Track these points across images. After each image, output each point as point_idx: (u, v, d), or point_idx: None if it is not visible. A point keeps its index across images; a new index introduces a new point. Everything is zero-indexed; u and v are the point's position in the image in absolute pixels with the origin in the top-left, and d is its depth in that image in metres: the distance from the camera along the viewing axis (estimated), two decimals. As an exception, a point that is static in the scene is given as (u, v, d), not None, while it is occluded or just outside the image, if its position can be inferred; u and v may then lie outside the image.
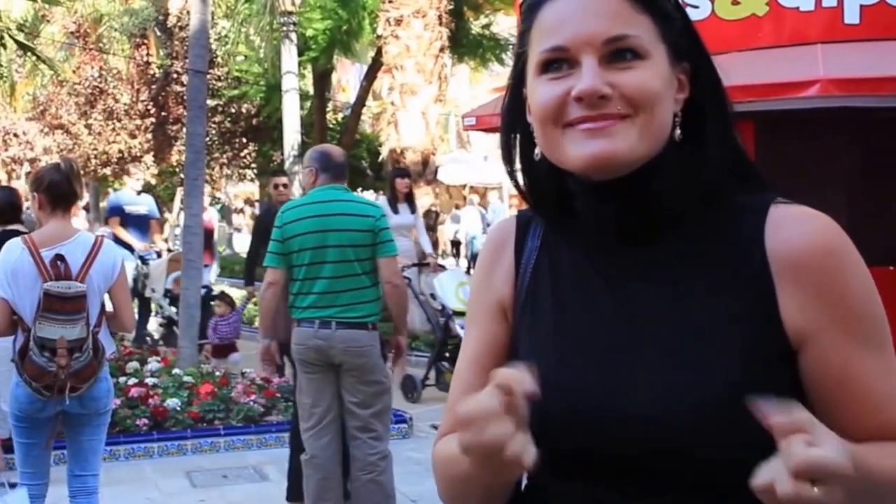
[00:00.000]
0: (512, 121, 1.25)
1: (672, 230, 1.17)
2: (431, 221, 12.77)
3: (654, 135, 1.13)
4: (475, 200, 22.25)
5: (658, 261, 1.17)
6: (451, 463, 1.16)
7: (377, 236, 4.49)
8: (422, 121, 13.17)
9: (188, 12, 13.39)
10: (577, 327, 1.19)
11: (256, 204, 27.81)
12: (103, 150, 17.96)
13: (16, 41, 13.40)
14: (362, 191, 19.18)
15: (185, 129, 10.01)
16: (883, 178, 5.73)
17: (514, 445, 0.97)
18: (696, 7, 5.75)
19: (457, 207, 22.40)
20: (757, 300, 1.12)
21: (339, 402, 4.57)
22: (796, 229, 1.12)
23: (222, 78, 18.44)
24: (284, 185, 8.26)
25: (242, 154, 19.72)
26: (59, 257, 3.85)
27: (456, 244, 19.94)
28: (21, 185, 19.57)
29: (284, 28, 14.36)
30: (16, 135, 19.87)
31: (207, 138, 12.48)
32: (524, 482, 1.24)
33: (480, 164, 24.10)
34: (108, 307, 4.13)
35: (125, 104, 18.15)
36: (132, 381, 7.07)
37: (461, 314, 7.54)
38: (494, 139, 1.31)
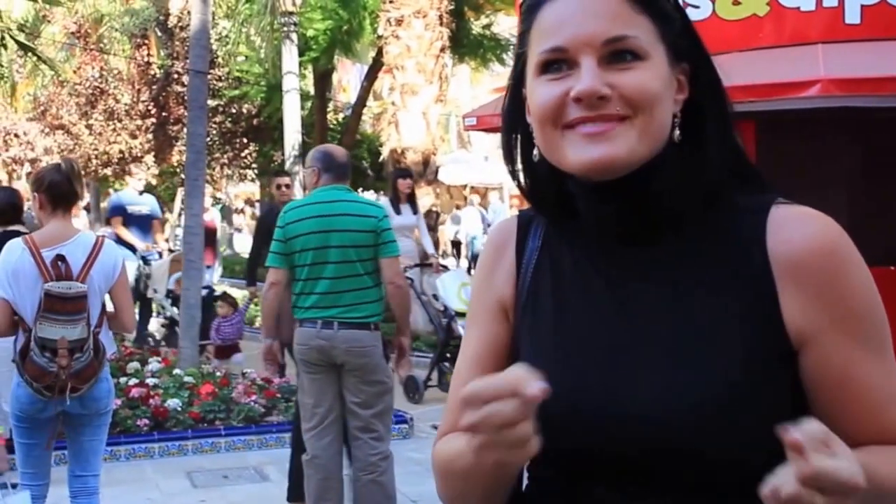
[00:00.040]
0: (512, 121, 1.25)
1: (672, 230, 1.17)
2: (432, 222, 12.76)
3: (654, 136, 1.13)
4: (475, 201, 22.25)
5: (658, 261, 1.17)
6: (453, 459, 1.16)
7: (380, 237, 4.49)
8: (422, 121, 13.17)
9: (189, 12, 13.40)
10: (577, 327, 1.19)
11: (257, 204, 27.81)
12: (104, 151, 17.96)
13: (16, 41, 13.38)
14: (363, 191, 19.18)
15: (185, 130, 10.00)
16: (884, 178, 5.73)
17: (524, 425, 0.96)
18: (696, 7, 5.74)
19: (457, 208, 22.39)
20: (757, 300, 1.11)
21: (340, 402, 4.57)
22: (797, 230, 1.12)
23: (223, 78, 18.44)
24: (287, 186, 8.26)
25: (243, 154, 19.73)
26: (60, 257, 3.86)
27: (456, 244, 19.93)
28: (22, 186, 19.58)
29: (285, 28, 14.37)
30: (16, 135, 19.87)
31: (208, 138, 12.49)
32: (524, 482, 1.24)
33: (481, 164, 24.10)
34: (109, 307, 4.13)
35: (126, 104, 18.16)
36: (133, 381, 7.07)
37: (464, 315, 7.53)
38: (495, 139, 1.31)
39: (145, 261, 9.90)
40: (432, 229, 12.27)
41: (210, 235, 12.24)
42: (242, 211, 31.81)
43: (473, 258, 18.02)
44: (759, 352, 1.10)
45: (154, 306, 10.56)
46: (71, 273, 3.86)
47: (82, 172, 4.20)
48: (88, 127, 18.02)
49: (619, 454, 1.11)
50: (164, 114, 18.29)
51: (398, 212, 8.84)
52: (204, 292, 9.34)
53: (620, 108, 1.10)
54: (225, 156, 19.43)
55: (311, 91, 19.49)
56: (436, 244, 12.93)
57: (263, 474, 6.12)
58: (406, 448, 6.22)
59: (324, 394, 4.54)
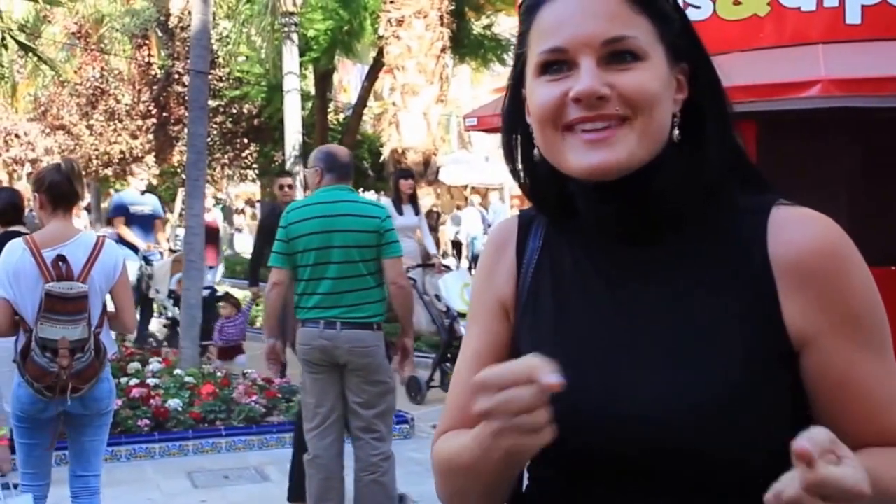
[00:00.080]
0: (513, 121, 1.25)
1: (672, 230, 1.17)
2: (433, 222, 12.78)
3: (654, 137, 1.13)
4: (476, 201, 22.24)
5: (658, 261, 1.17)
6: (456, 455, 1.16)
7: (382, 237, 4.49)
8: (423, 121, 13.18)
9: (189, 13, 13.41)
10: (577, 327, 1.19)
11: (258, 204, 27.82)
12: (105, 151, 17.98)
13: (17, 42, 13.37)
14: (364, 191, 19.18)
15: (186, 130, 10.00)
16: (884, 178, 5.72)
17: (540, 411, 0.96)
18: (697, 7, 5.74)
19: (458, 208, 22.39)
20: (757, 301, 1.11)
21: (343, 402, 4.57)
22: (798, 232, 1.12)
23: (224, 78, 18.45)
24: (289, 186, 8.27)
25: (244, 154, 19.74)
26: (61, 258, 3.86)
27: (457, 245, 19.93)
28: (23, 186, 19.58)
29: (286, 29, 14.37)
30: (17, 135, 19.89)
31: (209, 139, 12.50)
32: (524, 483, 1.24)
33: (482, 164, 24.08)
34: (110, 307, 4.13)
35: (126, 105, 18.17)
36: (133, 381, 7.07)
37: (466, 315, 7.52)
38: (496, 140, 1.31)
39: (147, 261, 9.90)
40: (433, 230, 12.28)
41: (212, 235, 12.21)
42: (243, 211, 31.82)
43: (474, 258, 18.01)
44: (759, 352, 1.10)
45: (155, 307, 10.56)
46: (72, 273, 3.86)
47: (83, 173, 4.20)
48: (89, 127, 18.04)
49: (619, 454, 1.11)
50: (164, 114, 18.31)
51: (400, 212, 8.83)
52: (206, 293, 9.34)
53: (620, 108, 1.10)
54: (226, 156, 19.45)
55: (312, 91, 19.49)
56: (436, 244, 12.94)
57: (264, 474, 6.12)
58: (407, 448, 6.22)
59: (326, 394, 4.54)
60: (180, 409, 6.72)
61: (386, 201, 9.39)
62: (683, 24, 1.18)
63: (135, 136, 18.08)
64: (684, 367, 1.10)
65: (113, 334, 4.24)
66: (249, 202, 32.15)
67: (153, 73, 18.64)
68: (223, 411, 6.83)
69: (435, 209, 13.60)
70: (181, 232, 11.57)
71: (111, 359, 4.18)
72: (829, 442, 0.90)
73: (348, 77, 26.33)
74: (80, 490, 4.10)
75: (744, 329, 1.11)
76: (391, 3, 13.06)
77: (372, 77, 18.67)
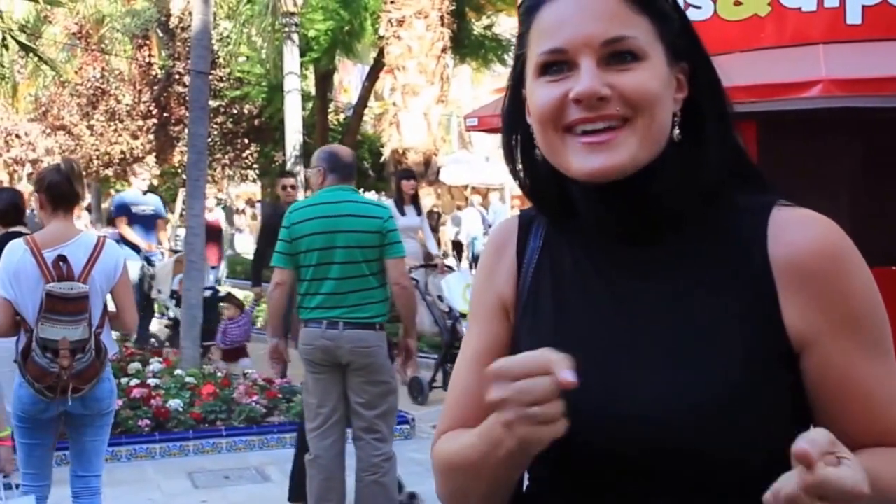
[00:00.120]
0: (513, 122, 1.25)
1: (672, 230, 1.17)
2: (433, 222, 12.77)
3: (655, 138, 1.13)
4: (476, 201, 22.24)
5: (658, 261, 1.17)
6: (459, 453, 1.16)
7: (385, 237, 4.49)
8: (424, 121, 13.18)
9: (190, 13, 13.41)
10: (577, 327, 1.19)
11: (258, 205, 27.82)
12: (105, 151, 18.00)
13: (18, 42, 13.38)
14: (364, 191, 19.18)
15: (187, 130, 10.00)
16: (885, 178, 5.72)
17: (555, 402, 0.96)
18: (698, 7, 5.74)
19: (458, 208, 22.39)
20: (757, 301, 1.11)
21: (345, 402, 4.57)
22: (799, 233, 1.12)
23: (224, 79, 18.46)
24: (292, 187, 8.27)
25: (244, 155, 19.75)
26: (62, 258, 3.86)
27: (457, 245, 19.92)
28: (24, 187, 19.59)
29: (286, 29, 14.36)
30: (18, 136, 19.91)
31: (209, 139, 12.50)
32: (525, 483, 1.24)
33: (482, 164, 24.07)
34: (111, 307, 4.13)
35: (127, 105, 18.19)
36: (134, 381, 7.07)
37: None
38: (496, 140, 1.31)
39: (149, 261, 9.90)
40: (434, 230, 12.28)
41: (215, 234, 12.21)
42: (243, 211, 31.83)
43: (475, 259, 18.00)
44: (759, 352, 1.10)
45: (156, 307, 10.55)
46: (72, 273, 3.86)
47: (83, 173, 4.20)
48: (90, 128, 18.06)
49: (619, 454, 1.11)
50: (165, 114, 18.32)
51: (402, 213, 8.82)
52: (208, 293, 9.33)
53: (620, 108, 1.10)
54: (226, 156, 19.46)
55: (313, 92, 19.50)
56: (438, 245, 12.94)
57: (265, 475, 6.12)
58: (407, 448, 6.21)
59: (328, 394, 4.54)
60: (181, 409, 6.72)
61: (388, 202, 9.38)
62: (683, 23, 1.18)
63: (135, 137, 18.09)
64: (684, 367, 1.10)
65: (114, 334, 4.24)
66: (250, 202, 32.15)
67: (154, 73, 18.66)
68: (224, 411, 6.83)
69: (435, 209, 13.60)
70: (182, 232, 11.58)
71: (112, 359, 4.18)
72: (829, 443, 0.90)
73: (349, 77, 26.34)
74: (81, 490, 4.10)
75: (744, 329, 1.11)
76: (392, 3, 13.07)
77: (372, 77, 18.67)
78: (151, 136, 18.33)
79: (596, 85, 1.09)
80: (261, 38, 17.45)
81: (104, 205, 22.55)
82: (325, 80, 19.34)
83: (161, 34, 19.07)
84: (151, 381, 7.11)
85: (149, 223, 10.11)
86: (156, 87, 18.40)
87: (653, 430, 1.08)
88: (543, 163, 1.20)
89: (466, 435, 1.14)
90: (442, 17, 13.16)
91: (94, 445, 4.09)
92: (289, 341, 5.29)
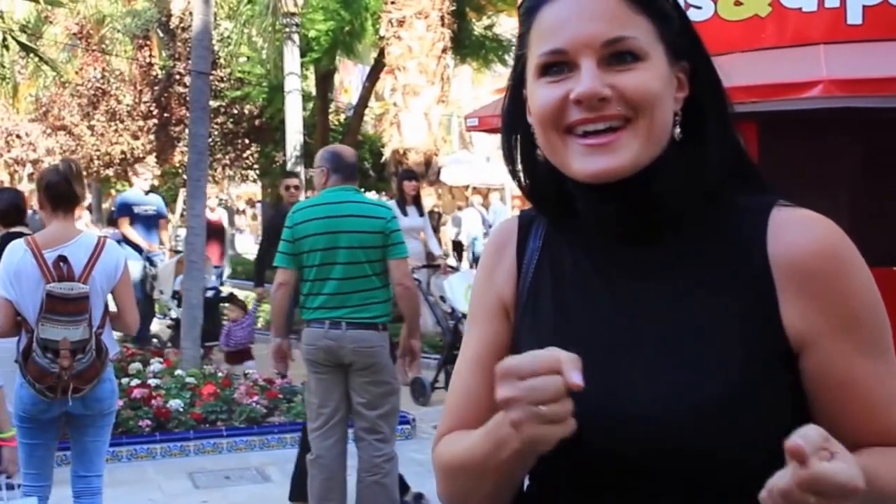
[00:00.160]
0: (513, 122, 1.25)
1: (672, 230, 1.17)
2: (434, 223, 12.77)
3: (657, 138, 1.13)
4: (476, 201, 22.23)
5: (658, 261, 1.17)
6: (462, 455, 1.16)
7: (388, 238, 4.49)
8: (424, 122, 13.18)
9: (191, 13, 13.41)
10: (577, 328, 1.19)
11: (258, 205, 27.83)
12: (106, 152, 18.01)
13: (18, 42, 13.40)
14: (365, 192, 19.16)
15: (187, 131, 10.00)
16: (885, 178, 5.72)
17: (565, 402, 0.96)
18: (698, 8, 5.74)
19: (459, 209, 22.38)
20: (757, 301, 1.12)
21: (347, 403, 4.58)
22: (799, 233, 1.12)
23: (225, 79, 18.46)
24: (296, 187, 8.28)
25: (245, 155, 19.75)
26: (62, 258, 3.86)
27: (458, 245, 19.91)
28: (25, 187, 19.61)
29: (287, 29, 14.37)
30: (18, 136, 19.93)
31: (210, 139, 12.49)
32: (525, 483, 1.24)
33: (483, 164, 24.06)
34: (112, 308, 4.13)
35: (128, 105, 18.19)
36: (135, 382, 7.07)
37: (470, 317, 7.47)
38: (497, 140, 1.31)
39: (151, 261, 9.89)
40: (435, 230, 12.28)
41: (217, 233, 12.22)
42: (243, 212, 31.83)
43: (475, 259, 17.99)
44: (759, 352, 1.10)
45: (157, 307, 10.55)
46: (73, 274, 3.86)
47: (83, 173, 4.20)
48: (90, 128, 18.07)
49: (619, 454, 1.11)
50: (165, 115, 18.32)
51: (405, 213, 8.81)
52: (210, 293, 9.32)
53: (621, 108, 1.10)
54: (227, 157, 19.46)
55: (313, 92, 19.50)
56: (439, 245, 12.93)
57: (265, 475, 6.12)
58: (408, 449, 6.21)
59: (330, 394, 4.55)
60: (181, 409, 6.72)
61: (390, 202, 9.37)
62: (683, 22, 1.18)
63: (136, 137, 18.10)
64: (684, 367, 1.10)
65: (115, 335, 4.24)
66: (250, 203, 32.16)
67: (154, 73, 18.66)
68: (224, 412, 6.83)
69: (436, 210, 13.60)
70: (182, 232, 11.58)
71: (112, 359, 4.18)
72: (822, 439, 0.90)
73: (349, 78, 26.32)
74: (83, 490, 4.10)
75: (744, 329, 1.11)
76: (392, 3, 13.07)
77: (373, 77, 18.67)
78: (152, 137, 18.34)
79: (596, 86, 1.09)
80: (261, 39, 17.45)
81: (104, 205, 22.57)
82: (325, 81, 19.34)
83: (161, 34, 19.07)
84: (152, 382, 7.11)
85: (151, 223, 10.12)
86: (156, 88, 18.40)
87: (653, 430, 1.08)
88: (544, 163, 1.20)
89: (470, 435, 1.14)
90: (442, 18, 13.16)
91: (96, 446, 4.09)
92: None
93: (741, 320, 1.11)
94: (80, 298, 3.86)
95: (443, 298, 8.49)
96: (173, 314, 9.89)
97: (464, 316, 7.91)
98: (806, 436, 0.89)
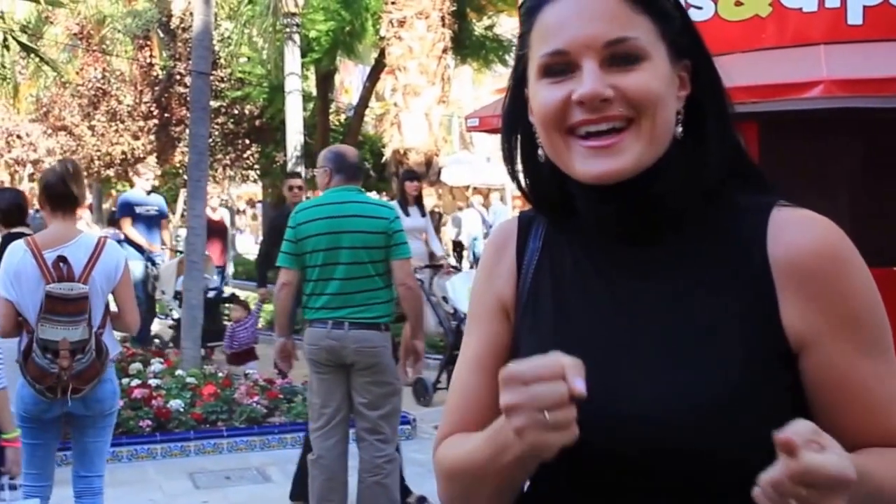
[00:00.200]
0: (513, 122, 1.25)
1: (672, 230, 1.17)
2: (434, 223, 12.76)
3: (660, 138, 1.13)
4: (477, 202, 22.23)
5: (658, 261, 1.17)
6: (464, 459, 1.16)
7: (391, 238, 4.49)
8: (425, 122, 13.17)
9: (191, 14, 13.41)
10: (577, 328, 1.19)
11: (258, 205, 27.83)
12: (106, 152, 18.00)
13: (19, 43, 13.41)
14: (365, 192, 19.14)
15: (188, 131, 10.01)
16: (886, 178, 5.72)
17: (569, 408, 0.96)
18: (699, 8, 5.74)
19: (459, 209, 22.38)
20: (757, 301, 1.12)
21: (348, 403, 4.58)
22: (798, 233, 1.12)
23: (225, 79, 18.45)
24: (299, 188, 8.28)
25: (245, 155, 19.74)
26: (62, 259, 3.86)
27: (458, 245, 19.92)
28: (25, 187, 19.62)
29: (287, 29, 14.37)
30: (19, 136, 19.93)
31: (210, 140, 12.49)
32: (525, 484, 1.24)
33: (483, 165, 24.06)
34: (114, 308, 4.13)
35: (128, 106, 18.19)
36: (135, 382, 7.07)
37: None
38: (497, 140, 1.31)
39: (152, 262, 9.89)
40: (435, 231, 12.27)
41: (219, 232, 12.21)
42: (243, 212, 31.83)
43: (476, 260, 17.98)
44: (759, 352, 1.10)
45: (158, 308, 10.55)
46: (73, 274, 3.86)
47: (82, 173, 4.19)
48: (91, 128, 18.06)
49: (619, 454, 1.11)
50: (166, 115, 18.31)
51: (406, 213, 8.80)
52: (212, 294, 9.32)
53: (623, 109, 1.10)
54: (227, 157, 19.44)
55: (314, 92, 19.50)
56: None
57: (266, 475, 6.12)
58: (409, 449, 6.20)
59: (332, 394, 4.55)
60: (182, 409, 6.72)
61: (392, 203, 9.36)
62: (684, 21, 1.18)
63: (136, 137, 18.09)
64: (684, 367, 1.10)
65: (117, 335, 4.24)
66: (251, 203, 32.16)
67: (155, 73, 18.65)
68: (225, 412, 6.83)
69: (437, 210, 13.59)
70: (183, 233, 11.58)
71: (113, 359, 4.18)
72: (812, 432, 0.90)
73: (350, 78, 26.33)
74: (84, 490, 4.11)
75: (744, 329, 1.11)
76: (393, 3, 13.06)
77: (373, 78, 18.67)
78: (152, 137, 18.33)
79: (598, 87, 1.09)
80: (262, 39, 17.43)
81: (105, 205, 22.57)
82: (326, 81, 19.34)
83: (162, 35, 19.06)
84: (152, 382, 7.11)
85: (153, 223, 10.12)
86: (157, 88, 18.39)
87: (653, 430, 1.08)
88: (545, 162, 1.20)
89: (472, 439, 1.14)
90: (443, 18, 13.15)
91: (97, 446, 4.09)
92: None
93: (741, 320, 1.11)
94: (80, 299, 3.86)
95: (445, 299, 8.48)
96: (175, 314, 9.89)
97: (466, 316, 7.89)
98: (796, 429, 0.90)
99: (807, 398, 1.13)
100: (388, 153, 13.86)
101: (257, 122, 19.12)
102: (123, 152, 17.94)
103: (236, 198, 30.36)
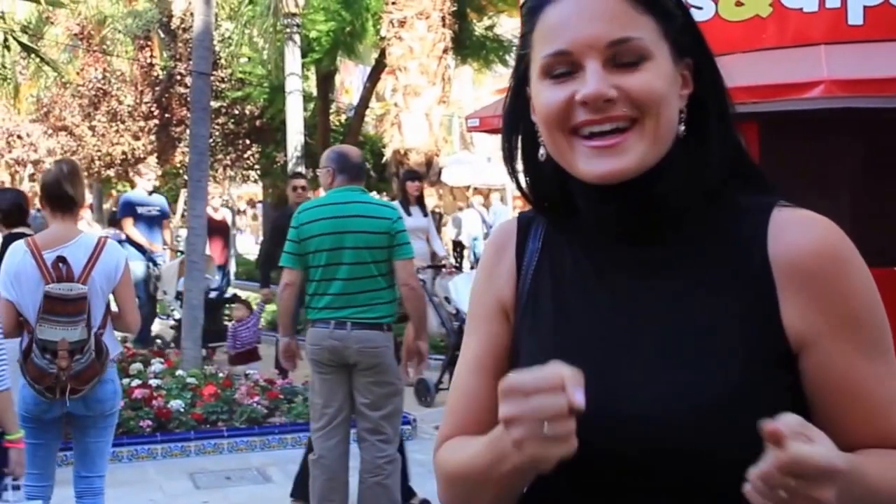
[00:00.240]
0: (514, 121, 1.25)
1: (673, 230, 1.17)
2: (435, 223, 12.76)
3: (663, 138, 1.13)
4: (477, 202, 22.23)
5: (658, 260, 1.17)
6: (464, 465, 1.15)
7: (394, 238, 4.49)
8: (425, 122, 13.16)
9: (192, 14, 13.41)
10: (577, 328, 1.19)
11: (258, 205, 27.83)
12: (107, 152, 18.01)
13: (20, 43, 13.40)
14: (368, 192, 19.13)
15: (188, 131, 10.01)
16: (886, 178, 5.72)
17: (569, 420, 0.95)
18: (699, 8, 5.74)
19: (460, 209, 22.38)
20: (757, 301, 1.11)
21: (350, 403, 4.58)
22: (799, 233, 1.12)
23: (226, 79, 18.45)
24: (303, 188, 8.29)
25: (246, 155, 19.74)
26: (61, 259, 3.86)
27: (458, 246, 19.92)
28: (26, 188, 19.62)
29: (288, 30, 14.37)
30: (19, 137, 19.94)
31: (211, 140, 12.50)
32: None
33: (484, 165, 24.07)
34: (115, 308, 4.13)
35: (129, 106, 18.19)
36: (136, 382, 7.07)
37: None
38: (498, 140, 1.31)
39: (154, 262, 9.89)
40: (436, 231, 12.26)
41: (221, 231, 12.19)
42: (244, 212, 31.84)
43: (476, 260, 17.97)
44: (759, 352, 1.10)
45: (159, 308, 10.55)
46: (72, 274, 3.86)
47: (81, 174, 4.19)
48: (91, 128, 18.07)
49: (619, 454, 1.11)
50: (166, 115, 18.32)
51: (408, 213, 8.80)
52: (214, 294, 9.30)
53: (627, 109, 1.10)
54: (228, 157, 19.45)
55: (314, 92, 19.49)
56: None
57: (266, 475, 6.12)
58: (410, 449, 6.18)
59: (333, 394, 4.55)
60: (182, 409, 6.72)
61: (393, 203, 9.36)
62: (686, 19, 1.17)
63: (137, 138, 18.10)
64: (684, 367, 1.10)
65: (118, 335, 4.24)
66: (251, 203, 32.17)
67: (155, 74, 18.65)
68: (225, 412, 6.83)
69: (437, 210, 13.58)
70: (183, 233, 11.58)
71: (114, 359, 4.18)
72: (799, 425, 0.91)
73: (350, 78, 26.33)
74: (85, 490, 4.10)
75: (744, 329, 1.11)
76: (393, 4, 13.06)
77: (374, 78, 18.66)
78: (153, 137, 18.34)
79: (602, 87, 1.09)
80: (262, 39, 17.43)
81: (105, 205, 22.57)
82: (326, 81, 19.34)
83: (163, 35, 19.07)
84: (153, 382, 7.11)
85: (155, 223, 10.12)
86: (157, 88, 18.40)
87: (653, 430, 1.08)
88: (547, 161, 1.20)
89: (472, 444, 1.14)
90: (443, 18, 13.14)
91: (98, 446, 4.09)
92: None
93: (741, 320, 1.11)
94: (79, 299, 3.85)
95: (447, 299, 8.47)
96: (176, 315, 9.88)
97: (467, 317, 7.87)
98: (784, 421, 0.90)
99: (806, 399, 1.13)
100: (388, 153, 13.85)
101: (258, 123, 19.12)
102: (124, 152, 17.95)
103: (237, 198, 30.37)
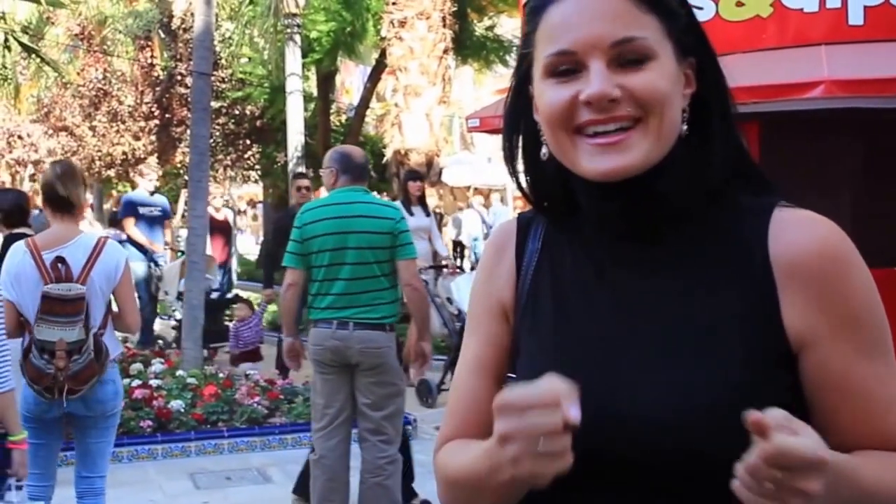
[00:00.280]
0: (515, 121, 1.25)
1: (674, 229, 1.17)
2: (436, 223, 12.76)
3: (667, 136, 1.13)
4: (477, 202, 22.23)
5: (659, 260, 1.17)
6: (463, 471, 1.15)
7: (397, 238, 4.49)
8: (426, 122, 13.17)
9: (192, 14, 13.41)
10: (577, 328, 1.19)
11: (259, 205, 27.83)
12: (107, 153, 18.00)
13: (20, 43, 13.41)
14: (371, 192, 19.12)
15: (189, 131, 10.01)
16: (887, 178, 5.71)
17: (564, 437, 0.95)
18: (700, 8, 5.73)
19: (460, 209, 22.38)
20: (758, 301, 1.11)
21: (352, 403, 4.58)
22: (799, 234, 1.12)
23: (226, 80, 18.45)
24: (307, 188, 8.30)
25: (246, 156, 19.74)
26: (60, 259, 3.86)
27: (458, 246, 19.91)
28: (26, 188, 19.63)
29: (288, 30, 14.36)
30: (20, 137, 19.93)
31: (211, 140, 12.50)
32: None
33: (484, 165, 24.05)
34: (115, 308, 4.13)
35: (129, 106, 18.19)
36: (136, 382, 7.07)
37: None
38: (498, 141, 1.31)
39: (155, 262, 9.89)
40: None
41: (223, 231, 12.18)
42: (244, 212, 31.84)
43: (477, 260, 17.97)
44: (760, 352, 1.10)
45: (159, 308, 10.54)
46: (71, 275, 3.86)
47: (81, 174, 4.19)
48: (92, 129, 18.06)
49: (619, 455, 1.11)
50: (167, 115, 18.31)
51: (410, 213, 8.80)
52: (215, 294, 9.30)
53: (631, 109, 1.10)
54: (228, 157, 19.45)
55: (315, 93, 19.49)
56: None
57: (266, 476, 6.12)
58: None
59: (335, 395, 4.55)
60: (183, 410, 6.72)
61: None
62: (689, 19, 1.17)
63: (137, 138, 18.09)
64: (684, 367, 1.10)
65: (119, 335, 4.24)
66: (251, 203, 32.17)
67: (156, 74, 18.65)
68: (225, 412, 6.83)
69: (437, 210, 13.58)
70: (184, 233, 11.57)
71: (114, 360, 4.18)
72: (785, 419, 0.91)
73: (351, 78, 26.32)
74: (86, 490, 4.11)
75: (744, 329, 1.11)
76: (393, 4, 13.06)
77: (374, 78, 18.66)
78: (153, 138, 18.33)
79: (606, 87, 1.09)
80: (263, 40, 17.43)
81: (105, 206, 22.57)
82: (327, 82, 19.34)
83: (163, 35, 19.06)
84: (153, 382, 7.11)
85: (156, 223, 10.12)
86: (158, 89, 18.39)
87: (653, 430, 1.08)
88: (549, 160, 1.20)
89: (471, 448, 1.14)
90: (444, 18, 13.14)
91: (99, 447, 4.09)
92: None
93: (742, 320, 1.11)
94: (77, 299, 3.85)
95: (449, 300, 8.47)
96: (178, 315, 9.88)
97: (468, 318, 7.86)
98: (768, 414, 0.90)
99: (806, 399, 1.13)
100: (388, 154, 13.85)
101: (258, 123, 19.12)
102: (124, 153, 17.94)
103: (237, 198, 30.36)
